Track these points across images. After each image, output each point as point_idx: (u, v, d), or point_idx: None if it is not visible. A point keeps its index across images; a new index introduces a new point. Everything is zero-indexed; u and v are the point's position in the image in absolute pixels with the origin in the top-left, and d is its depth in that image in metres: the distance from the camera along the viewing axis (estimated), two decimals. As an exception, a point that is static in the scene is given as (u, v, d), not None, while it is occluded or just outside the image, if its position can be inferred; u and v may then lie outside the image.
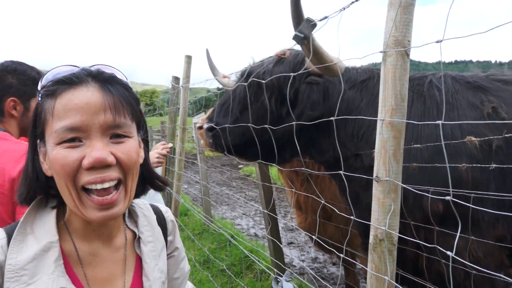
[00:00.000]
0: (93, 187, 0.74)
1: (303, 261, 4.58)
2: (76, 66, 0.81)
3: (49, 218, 0.79)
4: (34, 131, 0.80)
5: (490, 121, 1.87)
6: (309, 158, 2.27)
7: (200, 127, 2.33)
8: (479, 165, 1.65)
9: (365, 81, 2.08)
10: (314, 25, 1.38)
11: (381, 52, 1.10)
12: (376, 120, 1.92)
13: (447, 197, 0.91)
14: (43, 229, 0.77)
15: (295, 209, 3.18)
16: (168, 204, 4.21)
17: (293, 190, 2.84)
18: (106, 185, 0.75)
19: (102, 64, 0.84)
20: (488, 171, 1.72)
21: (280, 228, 5.52)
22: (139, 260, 0.89)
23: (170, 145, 2.52)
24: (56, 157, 0.74)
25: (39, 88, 0.81)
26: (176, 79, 4.33)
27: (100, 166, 0.73)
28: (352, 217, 1.32)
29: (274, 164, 2.31)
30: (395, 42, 1.07)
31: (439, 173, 1.73)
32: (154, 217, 0.98)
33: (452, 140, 1.78)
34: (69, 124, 0.73)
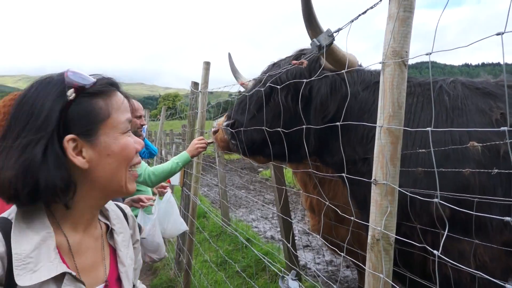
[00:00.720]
0: (137, 167, 0.97)
1: (318, 263, 4.61)
2: (80, 72, 0.89)
3: (40, 213, 0.85)
4: (68, 130, 0.84)
5: (495, 127, 1.88)
6: (319, 161, 2.31)
7: (216, 131, 2.41)
8: (483, 170, 1.67)
9: (379, 82, 2.12)
10: (332, 37, 1.46)
11: (380, 62, 1.16)
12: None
13: (435, 199, 0.96)
14: (37, 222, 0.84)
15: (309, 212, 3.24)
16: (186, 206, 4.32)
17: (305, 194, 2.90)
18: None
19: (97, 74, 0.95)
20: (496, 176, 1.73)
21: (296, 231, 5.56)
22: (112, 250, 1.01)
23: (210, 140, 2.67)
24: (127, 143, 0.91)
25: (72, 90, 0.84)
26: (195, 85, 4.46)
27: None
28: (352, 218, 1.38)
29: (285, 165, 2.36)
30: (393, 53, 1.13)
31: (447, 177, 1.76)
32: (120, 212, 1.10)
33: (459, 145, 1.80)
34: (128, 117, 0.94)
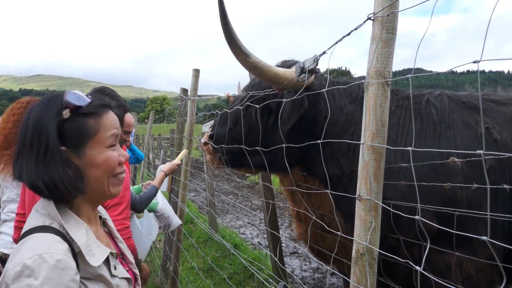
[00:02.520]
0: (121, 175, 1.12)
1: (304, 270, 4.64)
2: (78, 93, 1.07)
3: (71, 215, 1.04)
4: (61, 142, 1.00)
5: (477, 141, 1.93)
6: (304, 171, 2.35)
7: (206, 143, 2.45)
8: (464, 185, 1.72)
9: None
10: (316, 63, 1.51)
11: (363, 81, 1.20)
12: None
13: (416, 217, 1.00)
14: (73, 221, 1.02)
15: (295, 221, 3.26)
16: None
17: (291, 203, 2.92)
18: None
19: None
20: (482, 190, 1.77)
21: (283, 238, 5.59)
22: (107, 234, 1.24)
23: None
24: (110, 155, 1.06)
25: (67, 110, 1.01)
26: (184, 91, 4.47)
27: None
28: (339, 233, 1.41)
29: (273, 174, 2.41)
30: (376, 73, 1.17)
31: (435, 191, 1.79)
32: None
33: (446, 159, 1.83)
34: (114, 132, 1.08)
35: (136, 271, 1.25)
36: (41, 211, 1.01)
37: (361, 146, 1.22)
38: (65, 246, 0.95)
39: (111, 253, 1.07)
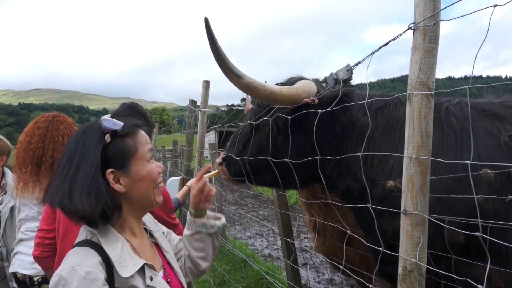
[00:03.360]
0: (161, 184, 1.22)
1: (318, 282, 4.57)
2: (111, 119, 1.16)
3: (109, 230, 1.12)
4: (108, 165, 1.10)
5: (505, 150, 1.90)
6: (322, 186, 2.31)
7: (221, 163, 2.45)
8: (496, 196, 1.67)
9: (380, 108, 2.11)
10: (350, 72, 1.49)
11: (407, 93, 1.17)
12: (393, 148, 1.97)
13: (477, 233, 0.96)
14: (112, 235, 1.11)
15: (313, 232, 3.21)
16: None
17: (309, 215, 2.87)
18: None
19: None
20: (509, 201, 1.73)
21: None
22: (155, 245, 1.31)
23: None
24: (152, 168, 1.17)
25: (108, 135, 1.12)
26: (193, 103, 4.45)
27: None
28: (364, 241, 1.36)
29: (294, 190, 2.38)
30: (420, 84, 1.14)
31: (460, 203, 1.75)
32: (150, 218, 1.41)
33: (471, 170, 1.79)
34: (149, 147, 1.20)
35: (183, 280, 1.32)
36: (87, 227, 1.12)
37: (404, 158, 1.18)
38: (97, 259, 1.03)
39: (147, 264, 1.13)
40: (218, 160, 2.51)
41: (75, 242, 1.11)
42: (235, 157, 2.33)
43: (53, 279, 0.99)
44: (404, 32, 1.20)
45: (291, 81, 2.15)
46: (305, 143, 2.15)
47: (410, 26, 1.17)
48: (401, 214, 1.16)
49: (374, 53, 1.32)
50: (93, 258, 1.03)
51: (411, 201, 1.14)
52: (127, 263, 1.08)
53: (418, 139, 1.15)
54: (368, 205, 1.38)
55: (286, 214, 3.48)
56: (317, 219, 2.49)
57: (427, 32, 1.13)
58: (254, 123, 2.21)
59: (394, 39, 1.25)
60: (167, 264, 1.30)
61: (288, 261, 3.23)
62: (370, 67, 1.39)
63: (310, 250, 5.24)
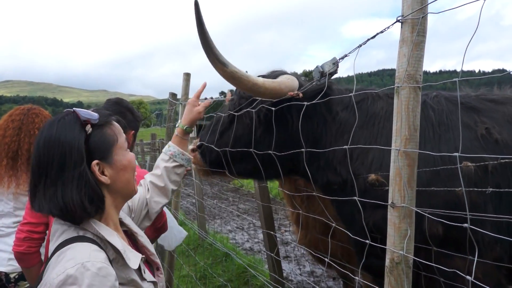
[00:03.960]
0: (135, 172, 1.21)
1: (300, 274, 4.61)
2: (85, 110, 1.14)
3: (98, 223, 1.09)
4: (92, 156, 1.07)
5: (482, 142, 1.93)
6: (303, 178, 2.31)
7: (194, 150, 2.37)
8: (475, 189, 1.71)
9: (359, 102, 2.10)
10: (336, 66, 1.47)
11: (395, 86, 1.17)
12: (371, 142, 1.98)
13: (465, 225, 0.97)
14: (105, 230, 1.08)
15: (295, 225, 3.22)
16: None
17: (291, 207, 2.88)
18: None
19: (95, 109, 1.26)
20: (485, 192, 1.77)
21: (275, 242, 5.53)
22: (125, 232, 1.28)
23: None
24: (131, 156, 1.18)
25: (89, 125, 1.08)
26: (173, 96, 4.37)
27: None
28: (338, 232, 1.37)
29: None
30: (408, 77, 1.14)
31: (438, 196, 1.77)
32: None
33: (449, 162, 1.82)
34: (124, 136, 1.20)
35: (157, 260, 1.32)
36: (68, 223, 1.06)
37: (392, 151, 1.18)
38: (103, 254, 1.00)
39: (142, 256, 1.15)
40: (191, 146, 2.43)
41: (64, 239, 1.03)
42: (213, 146, 2.27)
43: (57, 278, 0.91)
44: (392, 25, 1.20)
45: (274, 75, 2.13)
46: (284, 136, 2.13)
47: (398, 19, 1.17)
48: (389, 206, 1.16)
49: (361, 46, 1.31)
50: (100, 254, 1.00)
51: (399, 194, 1.15)
52: (130, 255, 1.08)
53: (406, 132, 1.15)
54: (355, 197, 1.38)
55: (268, 206, 3.48)
56: (300, 211, 2.48)
57: (415, 25, 1.13)
58: (236, 114, 2.18)
59: (381, 31, 1.24)
60: (145, 250, 1.30)
61: (271, 254, 3.24)
62: (348, 61, 1.40)
63: (292, 242, 5.28)
